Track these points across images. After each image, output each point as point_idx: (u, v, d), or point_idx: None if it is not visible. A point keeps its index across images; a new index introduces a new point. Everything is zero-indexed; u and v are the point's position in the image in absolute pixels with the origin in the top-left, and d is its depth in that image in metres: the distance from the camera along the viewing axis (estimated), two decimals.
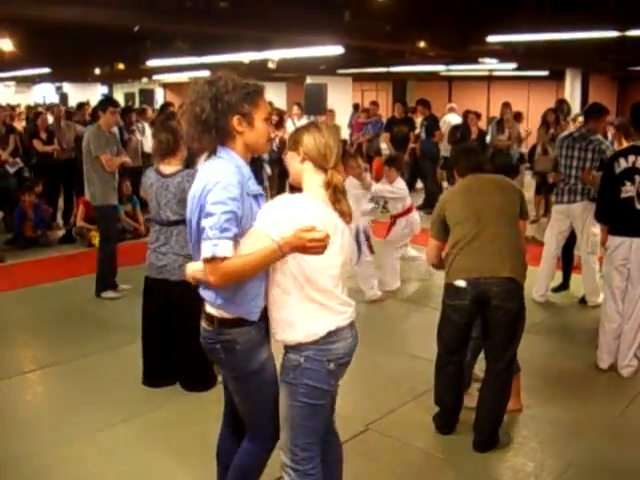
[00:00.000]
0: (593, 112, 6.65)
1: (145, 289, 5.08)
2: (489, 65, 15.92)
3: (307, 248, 2.57)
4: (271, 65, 13.78)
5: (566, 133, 7.06)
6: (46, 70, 17.04)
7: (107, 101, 7.57)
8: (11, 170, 10.61)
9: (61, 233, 10.20)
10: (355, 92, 22.90)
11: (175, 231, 4.78)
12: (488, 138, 11.78)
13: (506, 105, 12.36)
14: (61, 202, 11.12)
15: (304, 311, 2.77)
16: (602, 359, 5.34)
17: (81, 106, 13.49)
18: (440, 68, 17.47)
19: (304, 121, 12.11)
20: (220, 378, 4.87)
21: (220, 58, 12.72)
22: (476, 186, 4.19)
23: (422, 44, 11.12)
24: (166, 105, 12.55)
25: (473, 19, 10.20)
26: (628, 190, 5.03)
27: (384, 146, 13.72)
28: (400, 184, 7.41)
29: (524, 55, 12.66)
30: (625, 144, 6.79)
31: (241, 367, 2.83)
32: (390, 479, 3.92)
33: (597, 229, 6.13)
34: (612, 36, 9.67)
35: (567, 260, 7.30)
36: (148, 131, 11.58)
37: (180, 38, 12.20)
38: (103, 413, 4.59)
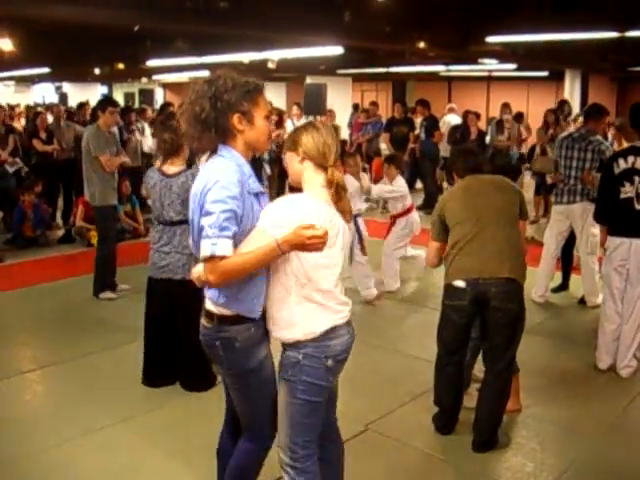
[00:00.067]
0: (593, 113, 6.65)
1: (148, 289, 5.08)
2: (489, 65, 15.93)
3: (306, 245, 2.58)
4: (271, 65, 13.78)
5: (566, 134, 7.06)
6: (46, 70, 17.04)
7: (106, 101, 7.56)
8: (10, 170, 10.61)
9: (60, 233, 10.20)
10: (355, 92, 22.92)
11: (179, 230, 4.78)
12: (488, 138, 11.79)
13: (506, 106, 12.37)
14: (60, 202, 11.12)
15: (304, 311, 2.79)
16: (601, 359, 5.34)
17: (81, 106, 13.47)
18: (440, 68, 17.48)
19: (304, 121, 12.12)
20: (219, 378, 4.90)
21: (220, 58, 12.71)
22: (475, 187, 4.20)
23: (422, 44, 11.13)
24: (166, 105, 12.55)
25: (473, 19, 10.20)
26: (627, 191, 5.03)
27: (384, 146, 13.73)
28: (400, 182, 7.42)
29: (524, 56, 12.67)
30: (625, 145, 6.79)
31: (240, 365, 2.83)
32: (389, 479, 3.92)
33: (596, 230, 6.13)
34: (612, 37, 9.68)
35: (566, 261, 7.31)
36: (148, 131, 11.59)
37: (180, 38, 12.20)
38: (102, 413, 4.59)
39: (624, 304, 5.19)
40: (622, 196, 5.04)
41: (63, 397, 4.92)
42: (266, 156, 10.29)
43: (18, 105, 22.73)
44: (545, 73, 19.30)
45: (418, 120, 13.02)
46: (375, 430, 4.39)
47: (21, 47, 11.30)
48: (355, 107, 18.67)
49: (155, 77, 23.87)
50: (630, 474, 4.01)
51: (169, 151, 4.85)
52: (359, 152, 11.98)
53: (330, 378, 2.88)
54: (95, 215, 7.31)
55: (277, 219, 2.70)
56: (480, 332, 4.18)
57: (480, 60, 14.51)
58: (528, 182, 12.37)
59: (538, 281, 6.93)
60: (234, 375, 2.89)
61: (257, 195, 2.80)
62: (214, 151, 2.78)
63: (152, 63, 14.58)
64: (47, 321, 6.50)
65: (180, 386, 4.97)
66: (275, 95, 21.80)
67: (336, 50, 11.57)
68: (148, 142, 11.44)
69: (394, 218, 7.48)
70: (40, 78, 24.27)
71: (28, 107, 20.70)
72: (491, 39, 10.54)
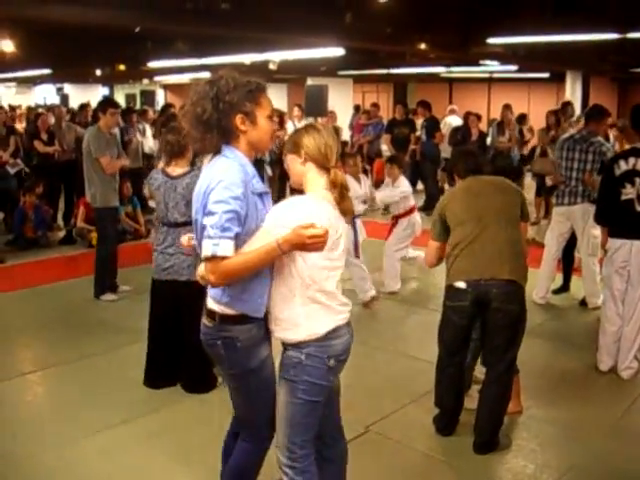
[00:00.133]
0: (594, 114, 6.65)
1: (152, 291, 5.07)
2: (490, 67, 15.93)
3: (307, 245, 2.60)
4: (272, 66, 13.78)
5: (567, 135, 7.06)
6: (47, 71, 17.04)
7: (107, 102, 7.56)
8: (12, 171, 10.61)
9: (61, 234, 10.21)
10: (356, 94, 22.91)
11: (183, 232, 4.75)
12: (489, 140, 11.79)
13: (507, 107, 12.37)
14: (62, 203, 11.13)
15: (308, 312, 2.80)
16: (602, 361, 5.34)
17: (83, 107, 13.48)
18: (441, 70, 17.48)
19: (305, 123, 12.13)
20: (220, 379, 4.90)
21: (221, 59, 12.71)
22: (477, 188, 4.20)
23: (423, 46, 11.12)
24: (167, 106, 12.56)
25: (474, 21, 10.20)
26: (628, 192, 5.03)
27: (385, 148, 13.72)
28: (403, 183, 7.43)
29: (525, 57, 12.66)
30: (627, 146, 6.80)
31: (241, 364, 2.83)
32: None
33: (598, 231, 6.12)
34: (612, 38, 9.68)
35: (567, 262, 7.30)
36: (149, 132, 11.61)
37: (181, 39, 12.20)
38: (103, 414, 4.59)
39: (625, 306, 5.19)
40: (623, 198, 5.04)
41: (64, 398, 4.92)
42: (267, 157, 10.30)
43: (19, 106, 22.76)
44: (546, 74, 19.30)
45: (419, 121, 13.02)
46: (376, 431, 4.39)
47: (22, 48, 11.31)
48: (356, 108, 18.67)
49: (156, 78, 23.86)
50: (631, 476, 4.01)
51: (173, 153, 4.85)
52: (360, 153, 11.98)
53: (331, 378, 2.90)
54: (95, 216, 7.31)
55: (282, 220, 2.71)
56: (481, 333, 4.18)
57: (481, 61, 14.51)
58: (529, 183, 12.37)
59: (539, 282, 6.93)
60: (235, 375, 2.89)
61: (261, 195, 2.80)
62: (217, 151, 2.78)
63: (153, 64, 14.59)
64: (48, 322, 6.50)
65: (181, 388, 4.97)
66: (276, 96, 21.80)
67: (337, 51, 11.58)
68: (149, 143, 11.46)
69: (396, 219, 7.48)
70: (41, 79, 24.25)
71: (29, 108, 20.70)
72: (492, 40, 10.54)
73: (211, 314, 2.83)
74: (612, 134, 11.54)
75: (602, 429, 4.49)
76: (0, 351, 5.78)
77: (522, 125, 12.36)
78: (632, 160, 5.05)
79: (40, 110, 15.85)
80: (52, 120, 11.40)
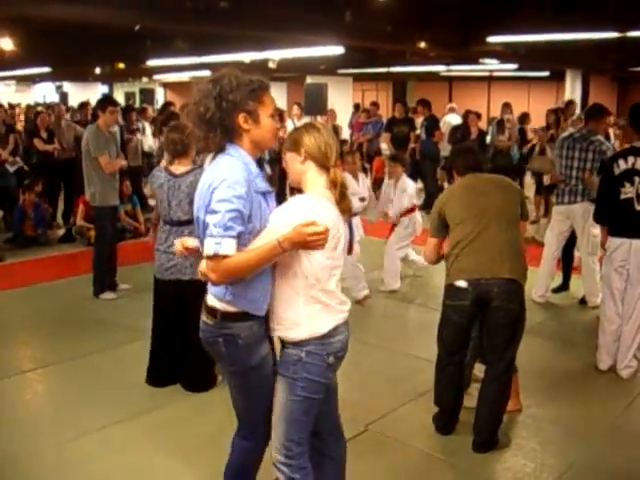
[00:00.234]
0: (593, 113, 6.65)
1: (155, 290, 5.06)
2: (490, 66, 15.92)
3: (308, 243, 2.61)
4: (271, 65, 13.78)
5: (566, 134, 7.06)
6: (46, 69, 17.05)
7: (106, 100, 7.54)
8: (11, 169, 10.61)
9: (61, 232, 10.20)
10: (355, 92, 22.91)
11: (186, 231, 4.75)
12: (488, 138, 11.79)
13: (506, 105, 12.37)
14: (61, 201, 11.12)
15: (310, 311, 2.82)
16: (602, 360, 5.34)
17: (82, 106, 13.47)
18: (440, 68, 17.48)
19: (305, 121, 12.12)
20: (220, 378, 4.90)
21: (220, 58, 12.71)
22: (477, 186, 4.19)
23: (423, 44, 11.13)
24: (167, 105, 12.54)
25: (474, 19, 10.20)
26: (627, 191, 5.03)
27: (384, 146, 13.73)
28: (408, 184, 7.45)
29: (524, 56, 12.66)
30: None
31: (242, 361, 2.84)
32: (389, 479, 3.92)
33: (597, 230, 6.12)
34: (612, 37, 9.69)
35: (567, 261, 7.30)
36: (148, 130, 11.61)
37: (180, 38, 12.20)
38: (103, 412, 4.59)
39: (624, 305, 5.19)
40: (622, 197, 5.04)
41: (64, 396, 4.92)
42: (266, 156, 10.29)
43: (19, 105, 22.75)
44: (546, 73, 19.30)
45: (419, 120, 13.02)
46: (375, 430, 4.39)
47: (22, 47, 11.32)
48: (356, 107, 18.67)
49: (156, 77, 23.87)
50: (630, 475, 4.01)
51: (177, 151, 4.84)
52: (360, 152, 11.98)
53: (330, 375, 2.93)
54: (94, 215, 7.31)
55: (284, 220, 2.72)
56: (480, 332, 4.18)
57: (481, 60, 14.50)
58: (529, 182, 12.37)
59: (539, 281, 6.93)
60: (235, 372, 2.90)
61: (264, 194, 2.81)
62: (221, 149, 2.78)
63: (152, 63, 14.60)
64: (48, 320, 6.50)
65: (181, 386, 4.97)
66: (276, 95, 21.55)
67: (337, 50, 11.57)
68: (149, 142, 11.46)
69: (397, 218, 7.48)
70: (41, 77, 24.28)
71: (29, 106, 20.70)
72: (492, 39, 10.53)
73: (212, 312, 2.83)
74: (613, 133, 11.55)
75: (601, 428, 4.49)
76: None
77: (524, 124, 12.35)
78: (631, 159, 5.05)
79: (39, 108, 15.85)
80: (52, 118, 11.40)
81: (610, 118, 11.69)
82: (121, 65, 15.84)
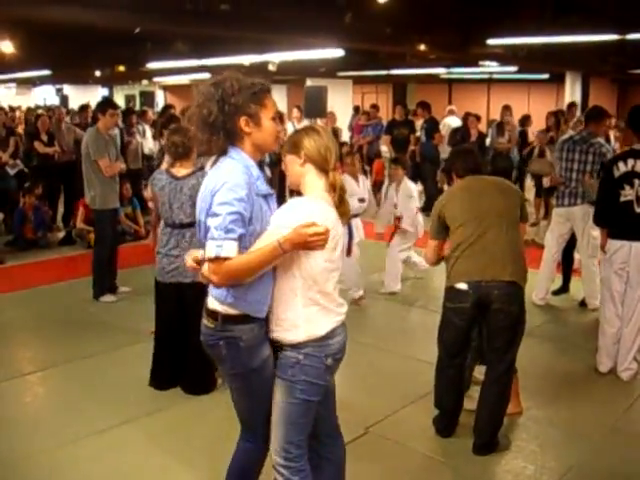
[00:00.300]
0: (593, 115, 6.65)
1: (157, 293, 5.06)
2: (489, 68, 15.93)
3: (308, 243, 2.62)
4: (271, 67, 13.79)
5: (566, 136, 7.06)
6: (46, 72, 17.05)
7: (106, 103, 7.55)
8: (11, 172, 10.62)
9: (61, 235, 10.21)
10: (355, 94, 22.91)
11: (188, 233, 4.76)
12: (488, 141, 11.79)
13: (506, 108, 12.37)
14: (61, 204, 11.13)
15: (308, 313, 2.82)
16: (602, 362, 5.34)
17: (83, 108, 13.47)
18: (440, 71, 17.50)
19: (304, 123, 12.13)
20: (220, 381, 4.90)
21: (220, 60, 12.73)
22: (477, 188, 4.19)
23: (422, 47, 11.13)
24: (167, 107, 12.55)
25: (473, 22, 10.20)
26: (627, 194, 5.03)
27: (384, 149, 13.73)
28: (411, 187, 7.46)
29: (524, 58, 12.67)
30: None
31: (243, 364, 2.84)
32: None
33: (597, 232, 6.12)
34: (612, 39, 9.69)
35: (567, 263, 7.30)
36: (149, 133, 11.60)
37: (180, 40, 12.21)
38: (104, 415, 4.59)
39: (624, 307, 5.19)
40: (622, 199, 5.04)
41: (64, 399, 4.92)
42: (267, 159, 10.29)
43: (19, 107, 22.76)
44: (546, 75, 19.32)
45: (419, 122, 13.03)
46: (375, 432, 4.38)
47: (22, 49, 11.33)
48: (356, 109, 18.68)
49: (156, 79, 23.88)
50: (630, 477, 4.01)
51: (178, 154, 4.84)
52: (360, 154, 11.98)
53: (328, 377, 2.93)
54: (94, 218, 7.31)
55: (284, 221, 2.72)
56: (480, 335, 4.18)
57: (481, 62, 14.52)
58: (529, 184, 12.37)
59: (539, 284, 6.93)
60: (237, 375, 2.90)
61: (265, 197, 2.82)
62: (224, 152, 2.79)
63: (152, 65, 14.61)
64: (48, 323, 6.50)
65: (181, 389, 4.97)
66: (276, 97, 21.54)
67: (337, 52, 11.58)
68: (149, 144, 11.45)
69: (399, 220, 7.49)
70: (41, 80, 24.27)
71: (29, 109, 20.71)
72: (492, 41, 10.55)
73: (213, 314, 2.83)
74: (613, 135, 11.55)
75: (602, 430, 4.49)
76: None
77: (525, 127, 12.35)
78: (631, 161, 5.06)
79: (40, 111, 15.86)
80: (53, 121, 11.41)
81: (611, 120, 11.72)
82: (121, 68, 15.86)
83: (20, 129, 14.13)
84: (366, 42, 11.24)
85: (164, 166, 5.18)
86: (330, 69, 16.71)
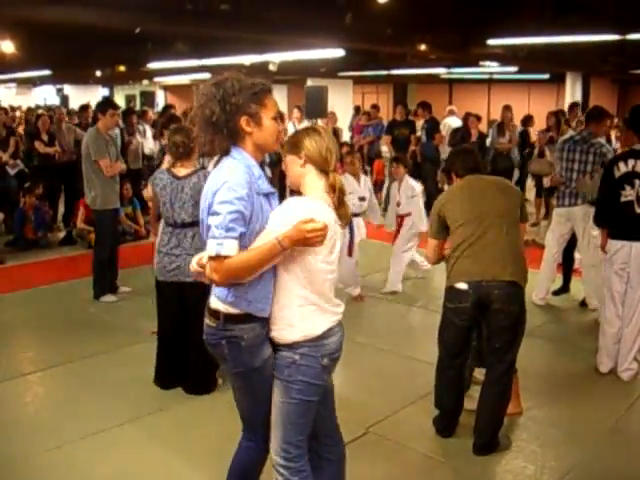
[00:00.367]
0: (594, 115, 6.65)
1: (158, 293, 5.07)
2: (490, 68, 15.93)
3: (307, 239, 2.63)
4: (272, 67, 13.79)
5: (567, 136, 7.06)
6: (47, 72, 17.05)
7: (106, 103, 7.54)
8: (12, 172, 10.62)
9: (61, 235, 10.21)
10: (356, 95, 22.92)
11: (190, 233, 4.77)
12: (488, 141, 11.78)
13: (507, 108, 12.36)
14: (62, 204, 11.13)
15: (304, 312, 2.83)
16: (602, 363, 5.33)
17: (84, 109, 13.47)
18: (441, 71, 17.49)
19: (304, 124, 12.13)
20: (220, 381, 4.90)
21: (221, 60, 12.73)
22: (477, 188, 4.19)
23: (423, 47, 11.13)
24: (168, 107, 12.56)
25: (474, 22, 10.19)
26: (628, 194, 5.03)
27: (385, 149, 13.73)
28: (414, 184, 7.48)
29: (525, 58, 12.66)
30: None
31: (245, 363, 2.85)
32: None
33: (597, 232, 6.12)
34: (613, 39, 9.69)
35: (568, 263, 7.30)
36: (149, 133, 11.60)
37: (181, 40, 12.20)
38: (104, 415, 4.58)
39: (625, 307, 5.19)
40: (622, 199, 5.05)
41: (64, 399, 4.92)
42: (267, 158, 10.29)
43: (19, 107, 22.76)
44: (546, 76, 19.32)
45: (419, 122, 13.02)
46: (376, 433, 4.38)
47: (23, 49, 11.32)
48: (356, 109, 18.68)
49: (156, 79, 23.88)
50: (631, 477, 4.01)
51: (179, 154, 4.85)
52: (360, 154, 11.97)
53: (325, 377, 2.93)
54: (94, 218, 7.31)
55: (283, 219, 2.73)
56: (480, 335, 4.18)
57: (481, 63, 14.52)
58: (529, 184, 12.36)
59: (539, 284, 6.92)
60: (238, 374, 2.91)
61: (267, 195, 2.83)
62: (226, 152, 2.81)
63: (153, 65, 14.61)
64: (48, 323, 6.50)
65: (181, 389, 4.97)
66: (276, 97, 21.64)
67: (337, 52, 11.58)
68: (149, 144, 11.46)
69: (401, 218, 7.50)
70: (41, 80, 24.28)
71: (29, 109, 20.71)
72: (492, 42, 10.54)
73: (215, 314, 2.84)
74: (614, 135, 11.55)
75: (602, 430, 4.49)
76: (0, 351, 5.78)
77: (527, 127, 12.33)
78: (631, 162, 5.06)
79: (40, 111, 15.86)
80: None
81: (613, 120, 11.71)
82: (122, 68, 15.86)
83: (20, 129, 14.12)
84: (366, 42, 11.24)
85: (165, 165, 5.18)
86: (330, 69, 16.71)
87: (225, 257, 2.63)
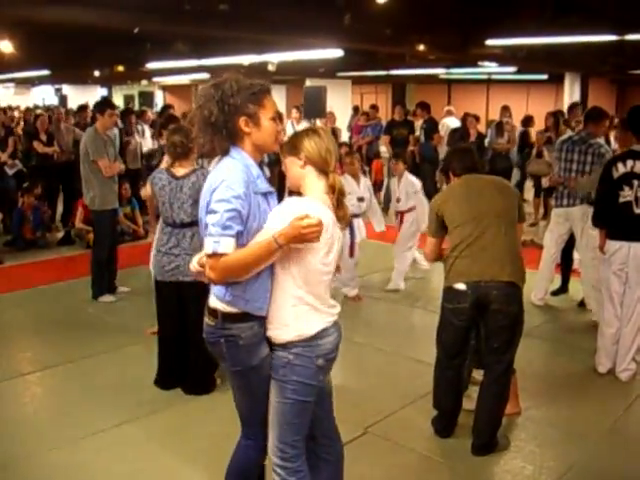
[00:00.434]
0: (592, 116, 6.65)
1: (157, 292, 5.07)
2: (489, 68, 15.93)
3: (303, 235, 2.64)
4: (271, 68, 13.79)
5: (565, 136, 7.06)
6: (45, 72, 17.04)
7: (104, 103, 7.54)
8: (10, 172, 10.61)
9: (60, 235, 10.21)
10: (354, 95, 22.92)
11: (189, 233, 4.77)
12: (487, 141, 11.79)
13: (505, 108, 12.38)
14: (60, 204, 11.12)
15: (298, 312, 2.84)
16: (601, 363, 5.34)
17: (82, 109, 13.46)
18: (440, 71, 17.49)
19: (303, 124, 12.13)
20: (219, 381, 4.90)
21: (219, 61, 12.73)
22: (475, 187, 4.19)
23: (422, 47, 11.13)
24: (166, 107, 12.55)
25: (473, 22, 10.19)
26: (626, 195, 5.03)
27: (383, 149, 13.74)
28: (414, 181, 7.49)
29: (523, 58, 12.67)
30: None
31: (242, 362, 2.86)
32: None
33: (596, 232, 6.12)
34: (611, 40, 9.70)
35: (566, 263, 7.30)
36: (148, 133, 11.60)
37: (180, 40, 12.20)
38: (102, 415, 4.58)
39: (623, 308, 5.19)
40: (621, 200, 5.05)
41: (63, 399, 4.92)
42: (265, 158, 10.29)
43: (17, 107, 22.74)
44: (545, 76, 19.32)
45: (418, 123, 13.03)
46: (374, 433, 4.39)
47: (21, 49, 11.32)
48: (355, 109, 18.68)
49: (155, 79, 23.89)
50: (629, 478, 4.02)
51: (177, 154, 4.85)
52: (359, 154, 11.98)
53: (320, 377, 2.93)
54: (93, 219, 7.30)
55: (282, 218, 2.73)
56: (478, 335, 4.18)
57: (480, 63, 14.52)
58: (528, 185, 12.37)
59: (538, 284, 6.93)
60: (236, 372, 2.92)
61: (265, 195, 2.85)
62: (226, 152, 2.83)
63: (152, 65, 14.61)
64: (47, 323, 6.49)
65: (180, 389, 4.97)
66: (275, 98, 21.63)
67: (336, 52, 11.58)
68: (148, 144, 11.45)
69: (402, 215, 7.51)
70: (40, 80, 24.27)
71: (27, 109, 20.69)
72: (491, 42, 10.55)
73: (213, 312, 2.86)
74: (613, 136, 11.54)
75: (600, 430, 4.49)
76: None
77: (528, 127, 12.34)
78: (630, 162, 5.06)
79: (39, 111, 15.84)
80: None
81: (615, 120, 11.71)
82: (120, 68, 15.86)
83: (19, 129, 14.12)
84: (365, 42, 11.24)
85: (164, 165, 5.19)
86: (329, 69, 16.70)
87: (222, 255, 2.65)
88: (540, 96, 21.51)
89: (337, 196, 2.88)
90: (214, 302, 2.86)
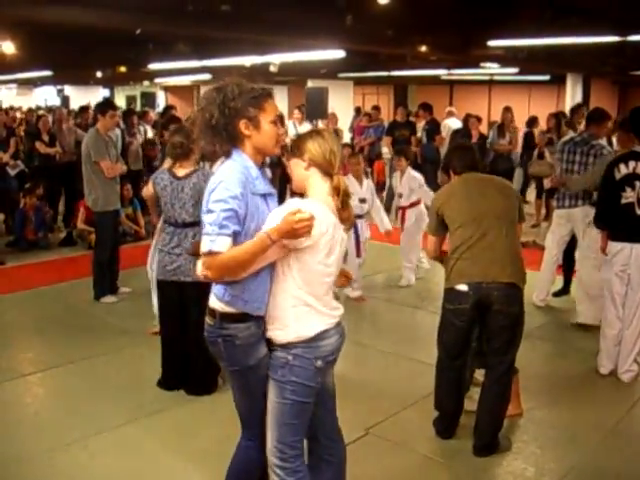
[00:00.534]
0: (594, 117, 6.64)
1: (159, 292, 5.09)
2: (490, 69, 15.92)
3: (295, 230, 2.66)
4: (272, 69, 13.78)
5: (567, 138, 7.06)
6: (48, 73, 17.05)
7: (106, 104, 7.55)
8: (12, 173, 10.62)
9: (62, 236, 10.20)
10: (356, 96, 22.91)
11: (191, 233, 4.79)
12: (488, 142, 11.78)
13: (507, 109, 12.36)
14: (62, 205, 11.13)
15: (298, 313, 2.84)
16: (602, 365, 5.33)
17: (84, 109, 13.47)
18: (441, 72, 17.48)
19: (305, 125, 12.12)
20: (220, 382, 4.90)
21: (221, 61, 12.73)
22: (476, 187, 4.18)
23: (424, 48, 11.13)
24: (168, 108, 12.56)
25: (474, 23, 10.18)
26: (628, 196, 5.03)
27: (385, 150, 13.74)
28: (416, 176, 7.52)
29: (525, 60, 12.66)
30: None
31: (240, 362, 2.88)
32: None
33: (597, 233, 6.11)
34: (613, 41, 9.69)
35: (568, 265, 7.29)
36: (150, 134, 11.60)
37: (182, 41, 12.19)
38: (104, 416, 4.59)
39: (625, 309, 5.19)
40: (623, 201, 5.05)
41: (65, 400, 4.92)
42: (267, 159, 10.29)
43: (19, 108, 22.75)
44: (546, 77, 19.30)
45: (420, 124, 13.03)
46: (376, 434, 4.39)
47: (23, 50, 11.31)
48: (357, 111, 18.67)
49: (157, 80, 23.89)
50: (631, 479, 4.01)
51: (178, 155, 4.87)
52: (362, 155, 11.96)
53: (319, 379, 2.93)
54: (95, 220, 7.30)
55: (278, 217, 2.74)
56: (480, 336, 4.18)
57: (482, 64, 14.51)
58: (530, 186, 12.36)
59: (539, 285, 6.92)
60: (234, 372, 2.94)
61: (264, 196, 2.88)
62: (228, 155, 2.86)
63: (154, 66, 14.62)
64: (49, 324, 6.50)
65: (182, 390, 4.97)
66: (276, 99, 21.65)
67: (338, 54, 11.57)
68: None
69: (404, 211, 7.52)
70: (42, 81, 24.29)
71: (30, 110, 20.70)
72: (493, 43, 10.54)
73: (212, 312, 2.89)
74: (615, 137, 11.53)
75: (602, 432, 4.49)
76: (0, 352, 5.78)
77: (533, 128, 12.33)
78: (632, 163, 5.06)
79: (41, 112, 15.85)
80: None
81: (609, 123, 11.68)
82: (122, 69, 15.87)
83: (21, 130, 14.13)
84: (367, 43, 11.23)
85: (166, 165, 5.20)
86: (331, 70, 16.69)
87: (217, 253, 2.68)
88: (542, 97, 21.48)
89: (342, 197, 2.89)
90: (213, 302, 2.89)
